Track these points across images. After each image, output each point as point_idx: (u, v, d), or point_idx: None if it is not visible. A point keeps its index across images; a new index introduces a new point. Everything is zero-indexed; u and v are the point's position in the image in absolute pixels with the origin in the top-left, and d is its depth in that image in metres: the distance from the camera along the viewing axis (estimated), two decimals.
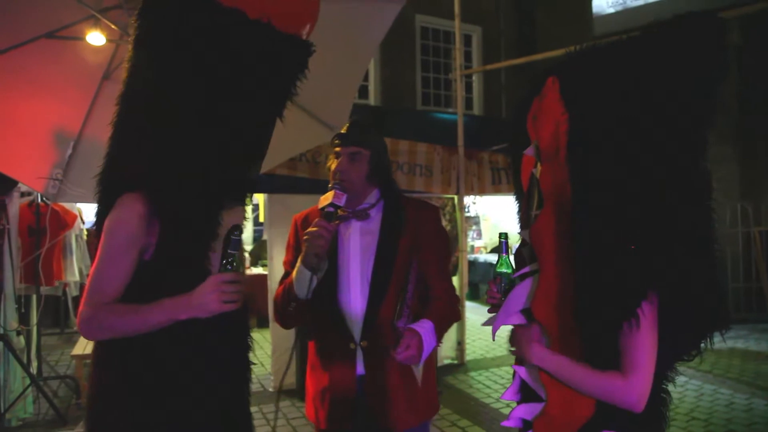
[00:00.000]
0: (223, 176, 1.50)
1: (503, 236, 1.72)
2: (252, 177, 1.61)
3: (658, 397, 1.40)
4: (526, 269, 1.55)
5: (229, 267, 1.45)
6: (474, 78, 11.12)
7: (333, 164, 1.90)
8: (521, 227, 1.67)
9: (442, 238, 2.01)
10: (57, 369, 5.77)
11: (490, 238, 10.83)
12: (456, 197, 6.23)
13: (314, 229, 1.71)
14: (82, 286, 7.25)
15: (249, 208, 1.71)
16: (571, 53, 1.48)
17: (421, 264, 1.88)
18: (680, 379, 1.39)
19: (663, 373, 1.41)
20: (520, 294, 1.53)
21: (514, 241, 1.68)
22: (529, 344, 1.44)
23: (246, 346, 1.64)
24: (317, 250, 1.69)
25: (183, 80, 1.46)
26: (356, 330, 1.84)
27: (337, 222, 1.74)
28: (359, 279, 1.86)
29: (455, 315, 1.94)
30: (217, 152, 1.49)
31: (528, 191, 1.60)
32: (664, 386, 1.43)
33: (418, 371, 1.85)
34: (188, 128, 1.46)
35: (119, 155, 1.54)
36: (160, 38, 1.48)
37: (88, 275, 1.39)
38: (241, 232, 1.50)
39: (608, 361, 1.33)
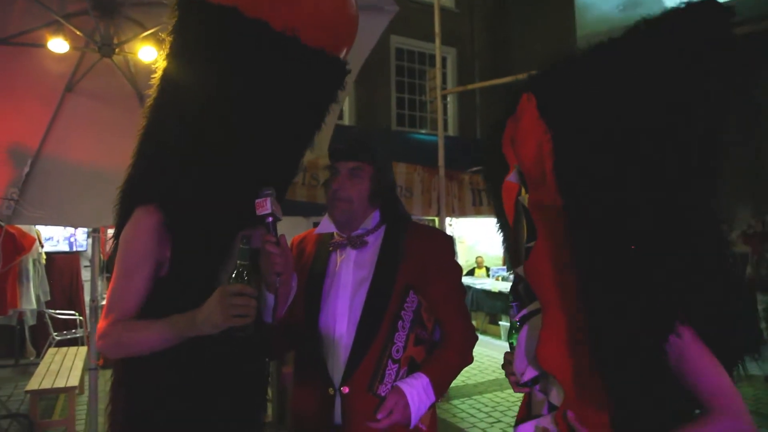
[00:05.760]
0: (242, 197, 1.43)
1: (513, 298, 1.47)
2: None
3: None
4: (525, 312, 1.38)
5: (239, 279, 1.33)
6: (449, 99, 11.14)
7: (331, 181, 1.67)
8: (512, 263, 1.50)
9: (455, 272, 1.75)
10: (8, 405, 5.32)
11: (466, 261, 10.71)
12: (437, 219, 6.11)
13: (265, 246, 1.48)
14: (39, 314, 6.84)
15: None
16: (545, 65, 1.34)
17: (431, 302, 1.65)
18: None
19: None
20: (524, 341, 1.35)
21: (492, 264, 1.49)
22: None
23: (258, 373, 1.57)
24: (276, 269, 1.45)
25: (210, 96, 1.43)
26: (337, 373, 1.59)
27: (279, 236, 1.47)
28: (347, 315, 1.61)
29: (466, 360, 1.69)
30: (238, 171, 1.45)
31: (515, 222, 1.44)
32: None
33: (421, 419, 1.58)
34: (209, 144, 1.43)
35: (139, 169, 1.53)
36: (191, 53, 1.45)
37: (46, 302, 1.24)
38: (249, 241, 1.38)
39: (638, 402, 1.15)
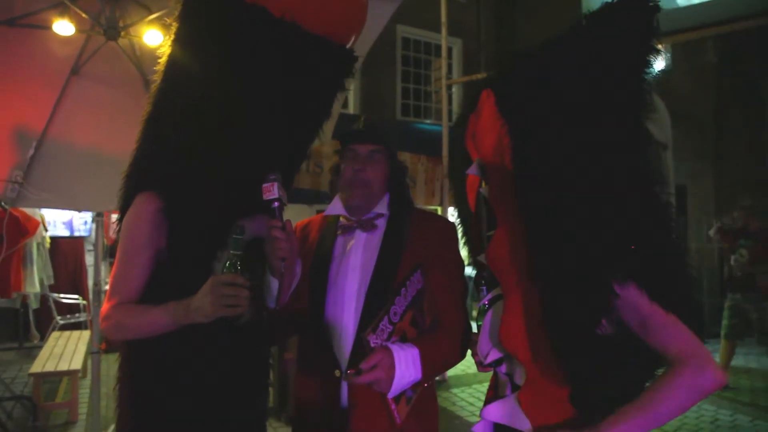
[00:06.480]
0: (242, 187, 1.44)
1: (482, 284, 1.47)
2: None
3: None
4: (489, 296, 1.41)
5: (232, 269, 1.33)
6: (454, 89, 11.11)
7: (345, 165, 1.66)
8: (474, 252, 1.54)
9: (454, 259, 1.68)
10: (12, 388, 5.37)
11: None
12: (440, 208, 6.12)
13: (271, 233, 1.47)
14: (43, 298, 6.88)
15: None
16: (502, 63, 1.41)
17: (430, 291, 1.62)
18: None
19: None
20: (488, 324, 1.38)
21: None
22: None
23: (261, 359, 1.60)
24: (281, 254, 1.45)
25: (212, 84, 1.44)
26: (343, 356, 1.57)
27: (285, 221, 1.47)
28: (355, 298, 1.60)
29: (459, 352, 1.59)
30: (238, 160, 1.46)
31: (476, 213, 1.49)
32: None
33: (399, 405, 1.54)
34: (209, 133, 1.44)
35: (142, 155, 1.55)
36: (194, 40, 1.46)
37: (50, 286, 1.28)
38: (243, 231, 1.36)
39: (589, 373, 1.19)
